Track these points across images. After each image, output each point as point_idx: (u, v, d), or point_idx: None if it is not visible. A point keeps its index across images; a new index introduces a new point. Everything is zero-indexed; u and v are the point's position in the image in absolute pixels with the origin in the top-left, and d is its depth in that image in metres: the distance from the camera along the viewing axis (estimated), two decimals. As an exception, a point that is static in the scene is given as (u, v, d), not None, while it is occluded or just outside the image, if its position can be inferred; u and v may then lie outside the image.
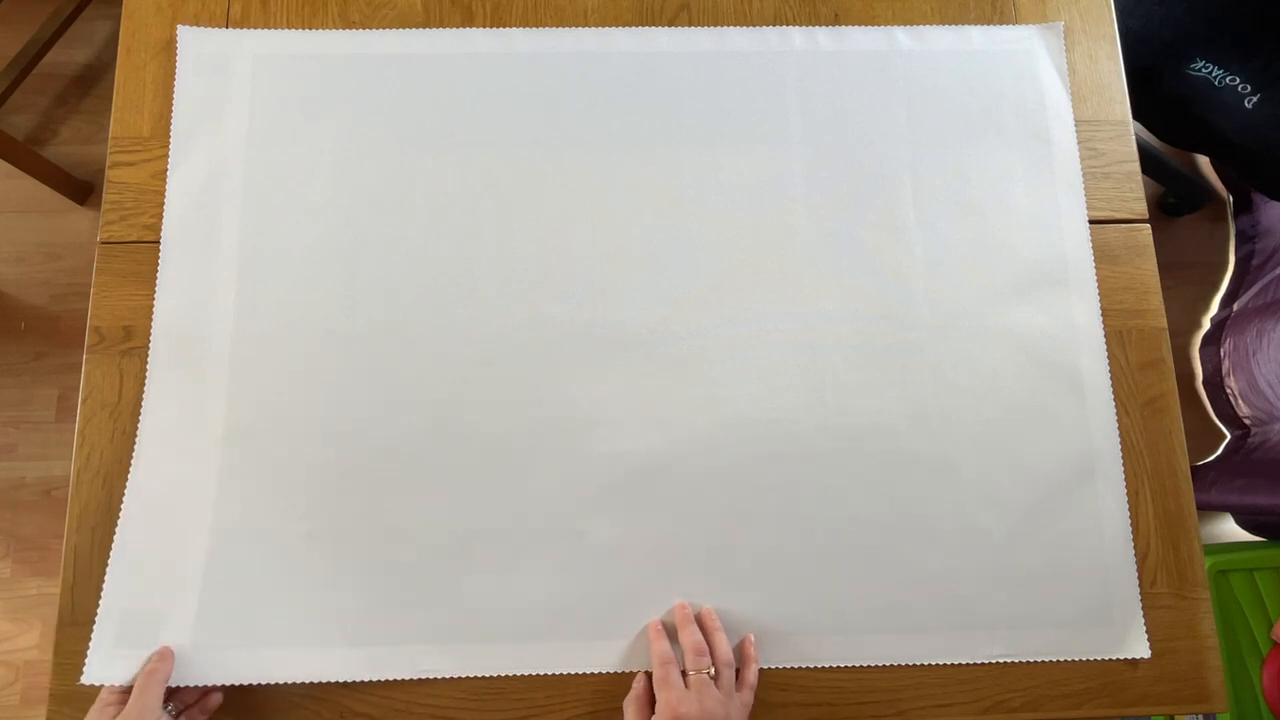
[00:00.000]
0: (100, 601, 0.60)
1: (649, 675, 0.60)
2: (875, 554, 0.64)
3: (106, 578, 0.61)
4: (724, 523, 0.64)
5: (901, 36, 0.74)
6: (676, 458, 0.64)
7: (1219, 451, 1.36)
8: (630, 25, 0.74)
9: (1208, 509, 1.30)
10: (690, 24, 0.74)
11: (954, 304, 0.68)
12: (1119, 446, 0.67)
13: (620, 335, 0.67)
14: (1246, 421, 1.31)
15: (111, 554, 0.61)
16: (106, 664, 0.59)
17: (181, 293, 0.67)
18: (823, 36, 0.74)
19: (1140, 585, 0.64)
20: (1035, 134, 0.72)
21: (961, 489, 0.65)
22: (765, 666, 0.62)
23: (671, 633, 0.61)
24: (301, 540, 0.62)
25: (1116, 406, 0.67)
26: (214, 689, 0.60)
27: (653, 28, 0.74)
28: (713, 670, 0.58)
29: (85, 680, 0.58)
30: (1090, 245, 0.70)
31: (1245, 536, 1.32)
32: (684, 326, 0.67)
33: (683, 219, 0.69)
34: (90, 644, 0.59)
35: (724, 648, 0.59)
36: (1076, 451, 0.66)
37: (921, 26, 0.75)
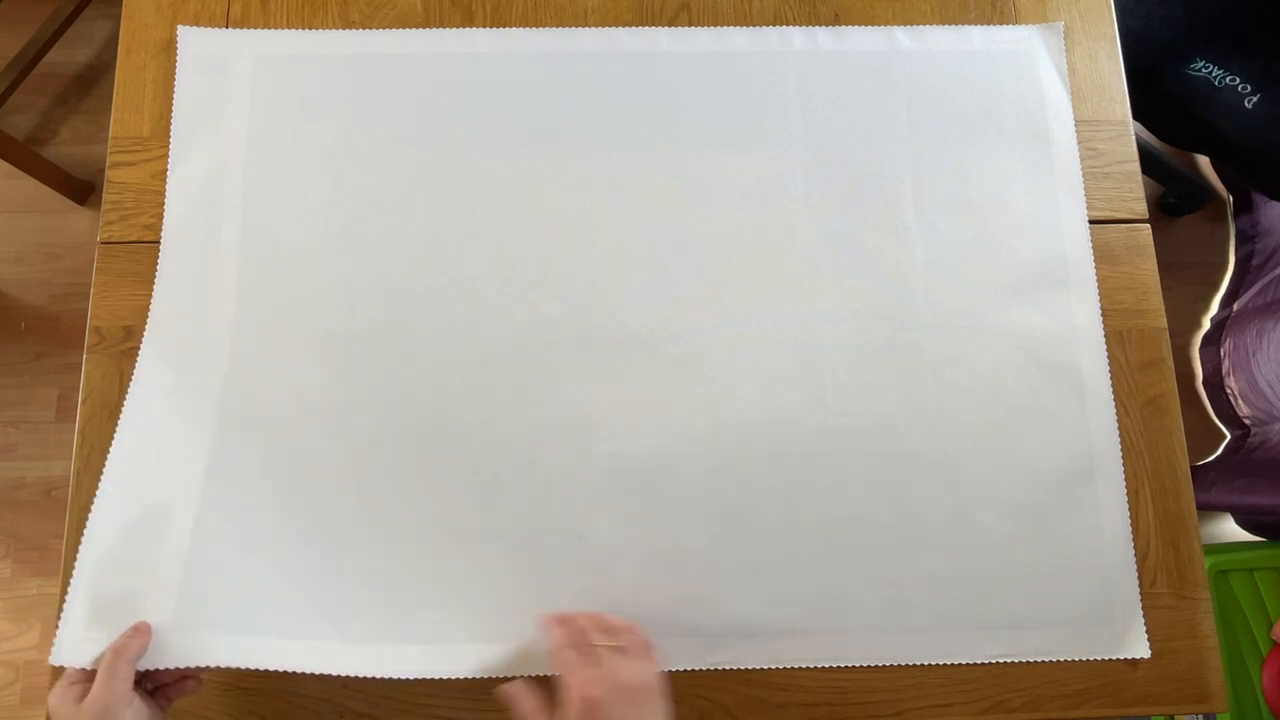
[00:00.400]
0: (72, 578, 0.57)
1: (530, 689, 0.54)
2: (875, 554, 0.64)
3: (80, 554, 0.58)
4: (724, 523, 0.64)
5: (901, 36, 0.74)
6: (676, 458, 0.64)
7: (1219, 451, 1.36)
8: (630, 25, 0.74)
9: (1208, 509, 1.30)
10: (690, 24, 0.74)
11: (954, 304, 0.68)
12: (1119, 446, 0.67)
13: (620, 335, 0.67)
14: (1246, 421, 1.31)
15: (85, 532, 0.59)
16: (78, 645, 0.55)
17: (180, 292, 0.67)
18: (823, 36, 0.74)
19: (1140, 585, 0.64)
20: (1035, 134, 0.72)
21: (961, 489, 0.65)
22: (766, 667, 0.62)
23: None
24: (295, 537, 0.62)
25: (1116, 406, 0.67)
26: (192, 674, 0.56)
27: (653, 28, 0.74)
28: (620, 645, 0.53)
29: (54, 661, 0.54)
30: (1090, 245, 0.70)
31: (1245, 536, 1.33)
32: (684, 326, 0.67)
33: (683, 219, 0.69)
34: (60, 624, 0.55)
35: (621, 619, 0.55)
36: (1076, 451, 0.66)
37: (921, 26, 0.75)
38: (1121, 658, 0.63)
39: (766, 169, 0.70)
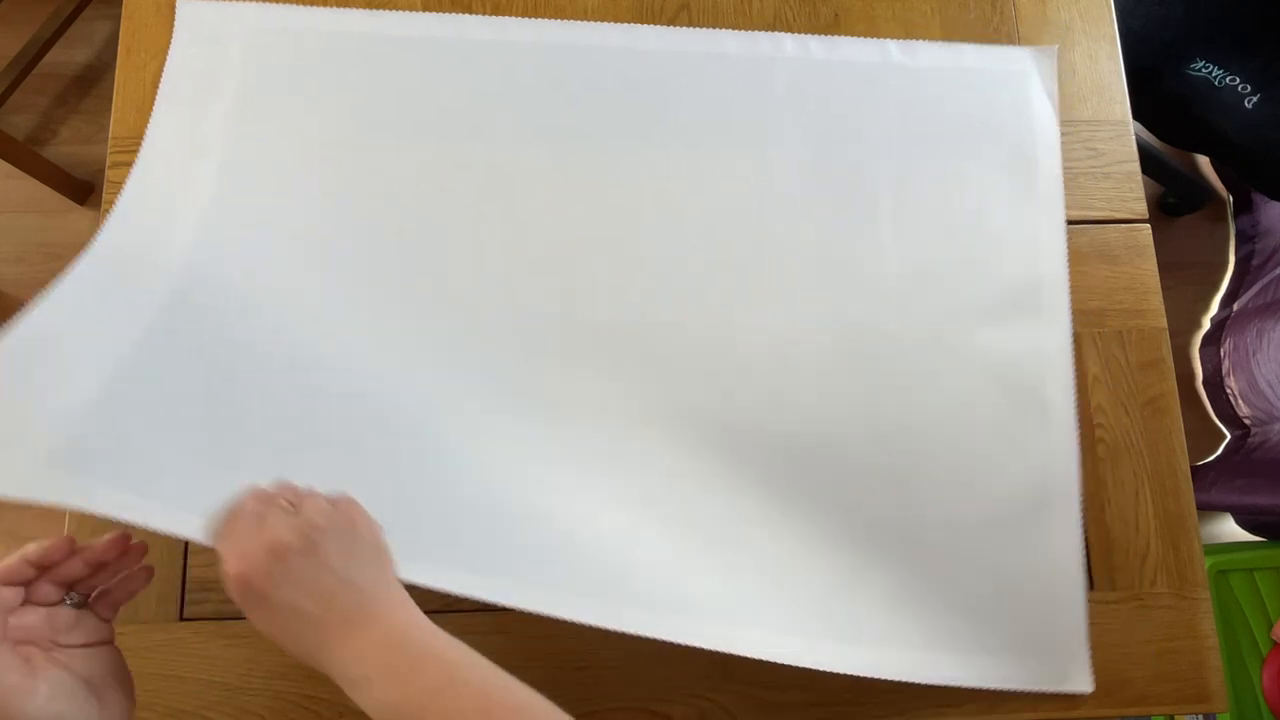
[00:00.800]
0: None
1: None
2: (828, 566, 0.62)
3: None
4: (680, 528, 0.62)
5: (894, 50, 0.73)
6: (635, 454, 0.63)
7: (1219, 451, 1.36)
8: (629, 24, 0.74)
9: (1208, 509, 1.30)
10: (690, 24, 0.74)
11: (926, 322, 0.67)
12: (1077, 477, 0.65)
13: (600, 335, 0.66)
14: (1246, 421, 1.31)
15: None
16: None
17: (133, 236, 0.62)
18: (814, 45, 0.73)
19: (1140, 585, 0.64)
20: (1020, 156, 0.71)
21: (916, 508, 0.63)
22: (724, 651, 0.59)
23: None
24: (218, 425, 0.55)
25: (1117, 406, 0.67)
26: (138, 571, 0.47)
27: (642, 25, 0.73)
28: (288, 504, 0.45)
29: None
30: (1066, 273, 0.69)
31: (1245, 536, 1.33)
32: (659, 329, 0.66)
33: (661, 224, 0.69)
34: None
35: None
36: (1034, 480, 0.64)
37: (914, 41, 0.74)
38: (1062, 690, 0.61)
39: (749, 177, 0.70)
